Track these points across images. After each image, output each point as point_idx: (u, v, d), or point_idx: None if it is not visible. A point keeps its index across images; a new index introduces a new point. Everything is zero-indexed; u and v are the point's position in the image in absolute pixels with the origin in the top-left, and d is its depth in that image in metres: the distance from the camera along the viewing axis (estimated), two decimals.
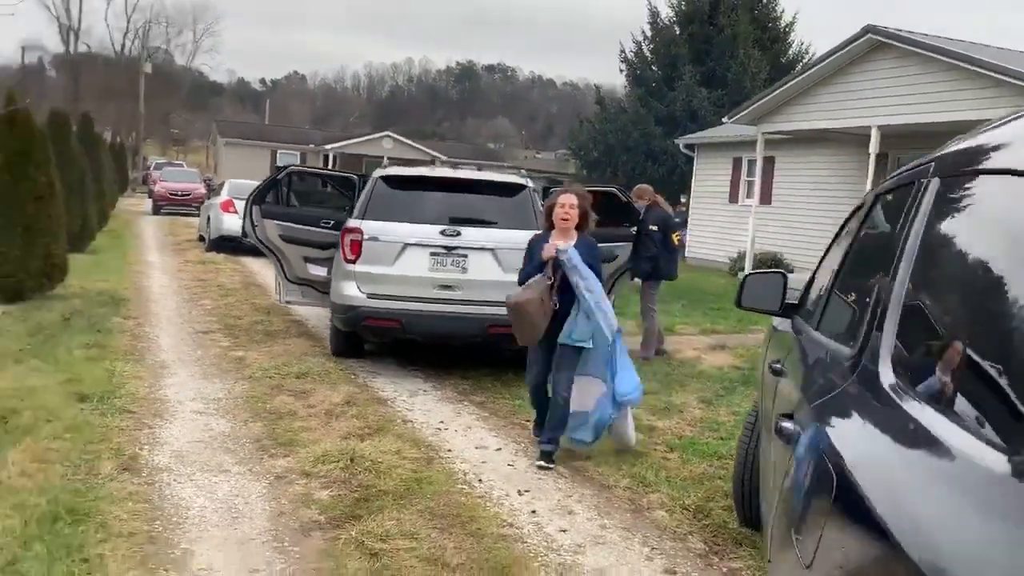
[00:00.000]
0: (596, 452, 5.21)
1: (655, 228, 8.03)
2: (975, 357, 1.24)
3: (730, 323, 10.79)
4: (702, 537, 4.07)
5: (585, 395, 4.96)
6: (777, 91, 16.05)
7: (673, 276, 8.55)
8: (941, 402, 1.27)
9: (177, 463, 4.67)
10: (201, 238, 18.53)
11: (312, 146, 48.53)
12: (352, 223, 7.01)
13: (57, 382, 6.05)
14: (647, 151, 26.17)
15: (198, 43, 73.96)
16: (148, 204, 29.14)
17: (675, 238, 8.40)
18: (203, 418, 5.57)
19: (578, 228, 5.07)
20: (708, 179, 21.34)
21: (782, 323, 3.47)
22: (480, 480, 4.68)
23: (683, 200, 23.00)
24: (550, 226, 5.14)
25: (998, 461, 0.98)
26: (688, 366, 8.11)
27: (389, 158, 39.04)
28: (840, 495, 1.38)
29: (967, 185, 1.58)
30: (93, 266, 13.01)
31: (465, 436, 5.54)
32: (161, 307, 10.09)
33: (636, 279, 8.37)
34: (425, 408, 6.14)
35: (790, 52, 28.46)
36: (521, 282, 5.12)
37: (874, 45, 13.99)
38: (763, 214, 17.59)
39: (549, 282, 4.95)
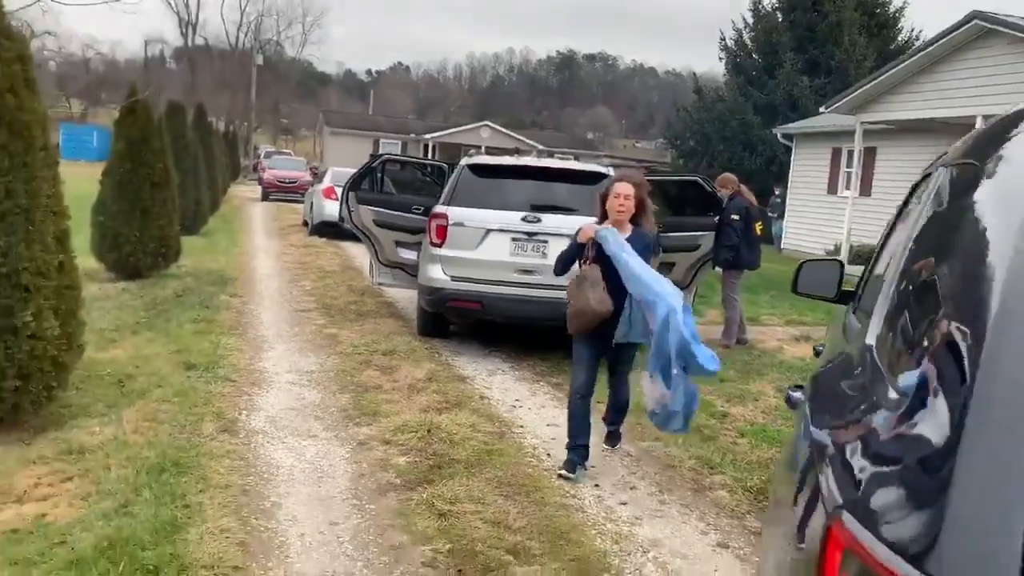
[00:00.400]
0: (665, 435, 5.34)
1: (736, 218, 8.04)
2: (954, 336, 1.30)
3: (818, 315, 10.63)
4: (760, 517, 4.18)
5: (660, 390, 4.37)
6: (877, 80, 15.56)
7: (755, 266, 8.54)
8: (916, 371, 1.38)
9: (271, 427, 5.09)
10: (305, 223, 19.35)
11: (413, 135, 49.56)
12: (438, 209, 7.33)
13: (168, 352, 6.61)
14: (744, 140, 25.70)
15: (306, 35, 76.30)
16: (258, 191, 30.45)
17: (757, 228, 8.39)
18: (296, 388, 6.00)
19: (634, 221, 4.63)
20: (806, 169, 20.84)
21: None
22: (548, 455, 4.90)
23: (776, 191, 22.52)
24: (603, 216, 4.68)
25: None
26: (769, 356, 8.11)
27: (486, 148, 39.54)
28: (808, 461, 1.52)
29: (962, 175, 1.70)
30: (205, 248, 13.87)
31: (538, 414, 5.77)
32: (264, 287, 10.71)
33: (717, 268, 8.41)
34: (502, 387, 6.41)
35: (899, 39, 27.34)
36: (559, 269, 4.85)
37: (981, 32, 13.41)
38: (861, 206, 17.11)
39: (587, 263, 4.56)
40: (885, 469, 1.15)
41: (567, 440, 4.64)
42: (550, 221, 7.00)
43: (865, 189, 17.66)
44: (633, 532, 3.92)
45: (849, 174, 18.22)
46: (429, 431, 5.03)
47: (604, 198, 4.66)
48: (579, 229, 4.68)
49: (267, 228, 19.56)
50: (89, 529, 3.49)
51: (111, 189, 10.24)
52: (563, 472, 4.51)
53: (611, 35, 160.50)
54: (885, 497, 1.07)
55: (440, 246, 7.20)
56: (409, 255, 8.28)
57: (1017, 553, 0.83)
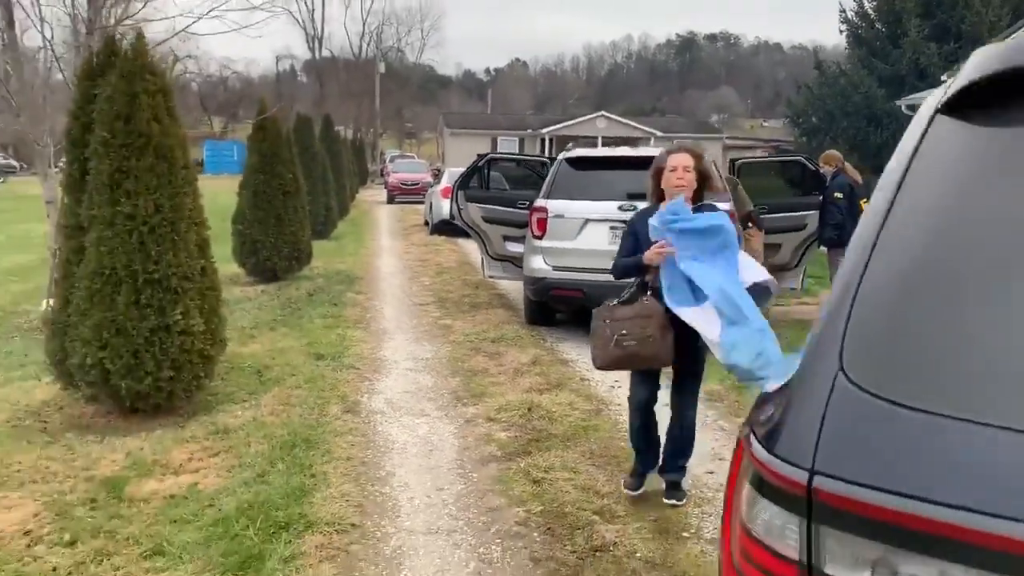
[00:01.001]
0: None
1: (840, 195, 8.01)
2: None
3: None
4: None
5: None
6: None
7: None
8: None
9: (389, 408, 5.62)
10: (425, 223, 20.18)
11: (529, 131, 50.13)
12: (538, 202, 7.71)
13: (300, 345, 7.29)
14: (869, 115, 24.67)
15: (425, 40, 78.51)
16: (385, 194, 31.75)
17: (862, 205, 8.31)
18: (412, 374, 6.52)
19: (695, 198, 3.87)
20: None
21: None
22: None
23: None
24: (659, 197, 3.94)
25: None
26: None
27: (601, 137, 39.56)
28: None
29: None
30: (334, 250, 14.79)
31: None
32: (387, 284, 11.41)
33: (822, 247, 8.39)
34: None
35: None
36: (617, 276, 4.10)
37: None
38: None
39: (649, 292, 3.76)
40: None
41: (636, 481, 4.07)
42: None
43: None
44: (718, 497, 4.16)
45: None
46: (529, 409, 5.42)
47: (658, 174, 3.89)
48: (631, 224, 4.04)
49: (391, 229, 20.50)
50: (232, 494, 4.08)
51: (248, 200, 11.18)
52: (627, 490, 4.06)
53: (732, 13, 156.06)
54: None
55: (541, 238, 7.58)
56: (516, 248, 8.70)
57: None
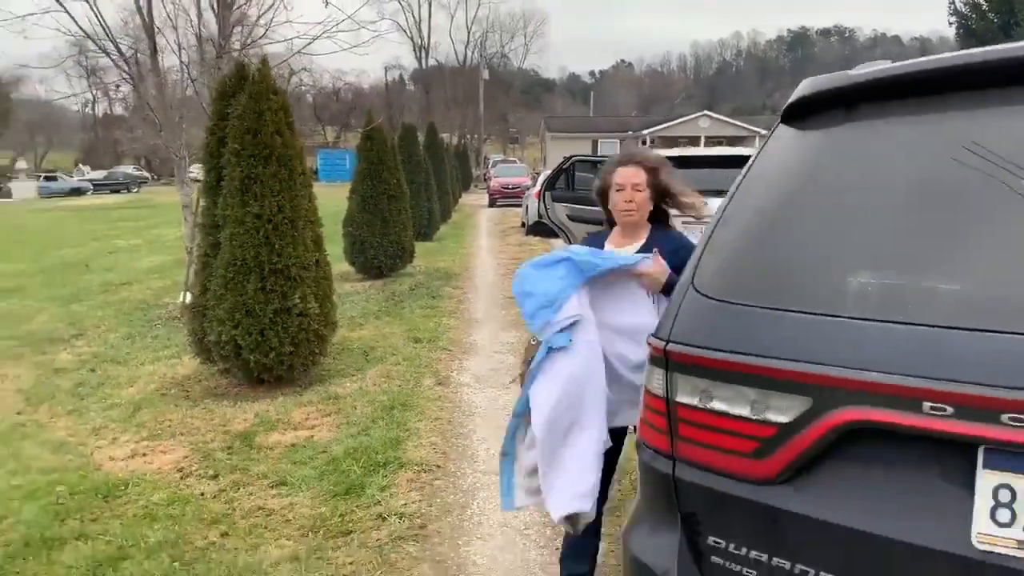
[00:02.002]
0: None
1: None
2: None
3: None
4: None
5: None
6: None
7: None
8: None
9: (474, 381, 6.38)
10: (522, 224, 20.97)
11: (630, 132, 50.39)
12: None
13: (401, 331, 8.15)
14: None
15: (528, 46, 79.89)
16: (486, 198, 32.81)
17: None
18: (498, 355, 7.27)
19: (653, 219, 2.97)
20: None
21: None
22: None
23: None
24: (610, 219, 3.05)
25: None
26: None
27: (704, 137, 39.47)
28: None
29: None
30: (435, 250, 15.76)
31: None
32: (481, 280, 12.23)
33: None
34: None
35: None
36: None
37: None
38: None
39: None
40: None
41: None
42: (716, 204, 7.73)
43: None
44: None
45: None
46: None
47: (603, 195, 3.00)
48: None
49: (490, 231, 21.41)
50: (341, 443, 4.91)
51: (357, 203, 12.22)
52: None
53: (846, 6, 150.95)
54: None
55: None
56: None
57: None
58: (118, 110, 75.93)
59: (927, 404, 1.31)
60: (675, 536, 1.67)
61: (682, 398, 1.63)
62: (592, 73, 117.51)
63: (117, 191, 48.83)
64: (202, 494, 4.28)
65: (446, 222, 21.70)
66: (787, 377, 1.46)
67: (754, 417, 1.51)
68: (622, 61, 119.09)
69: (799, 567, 1.48)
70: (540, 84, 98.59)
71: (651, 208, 2.93)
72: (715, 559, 1.61)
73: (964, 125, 1.49)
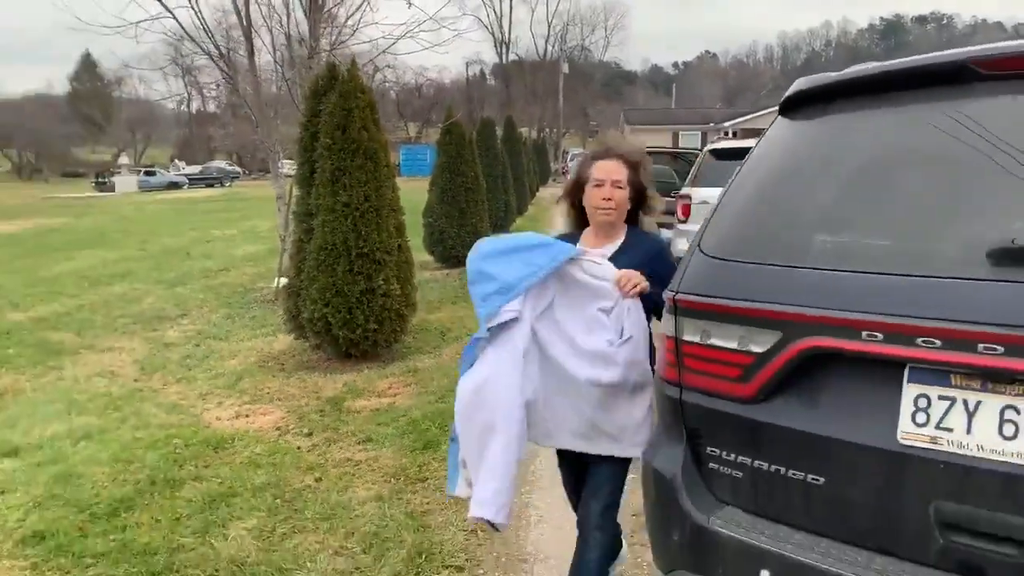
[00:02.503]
0: None
1: None
2: None
3: None
4: None
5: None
6: None
7: None
8: None
9: None
10: None
11: (712, 124, 49.97)
12: (684, 190, 8.63)
13: (474, 315, 8.64)
14: None
15: (609, 38, 79.60)
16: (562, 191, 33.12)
17: None
18: None
19: (631, 220, 2.76)
20: None
21: None
22: None
23: None
24: (580, 221, 2.83)
25: None
26: None
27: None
28: None
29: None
30: None
31: None
32: None
33: None
34: None
35: None
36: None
37: None
38: None
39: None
40: None
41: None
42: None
43: None
44: None
45: None
46: None
47: (575, 189, 2.79)
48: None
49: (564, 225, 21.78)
50: (420, 408, 5.43)
51: (436, 196, 12.81)
52: None
53: None
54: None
55: (685, 222, 8.50)
56: (668, 234, 9.63)
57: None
58: (211, 107, 79.40)
59: (864, 332, 1.69)
60: (680, 448, 2.08)
61: (687, 337, 2.04)
62: (675, 64, 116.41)
63: (211, 185, 51.09)
64: (298, 448, 4.86)
65: (522, 215, 22.18)
66: (764, 315, 1.85)
67: (740, 348, 1.91)
68: (707, 52, 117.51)
69: (774, 467, 1.87)
70: (621, 76, 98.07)
71: (629, 208, 2.70)
72: (711, 464, 2.01)
73: (906, 116, 1.86)
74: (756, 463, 1.91)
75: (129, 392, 6.26)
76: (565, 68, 63.86)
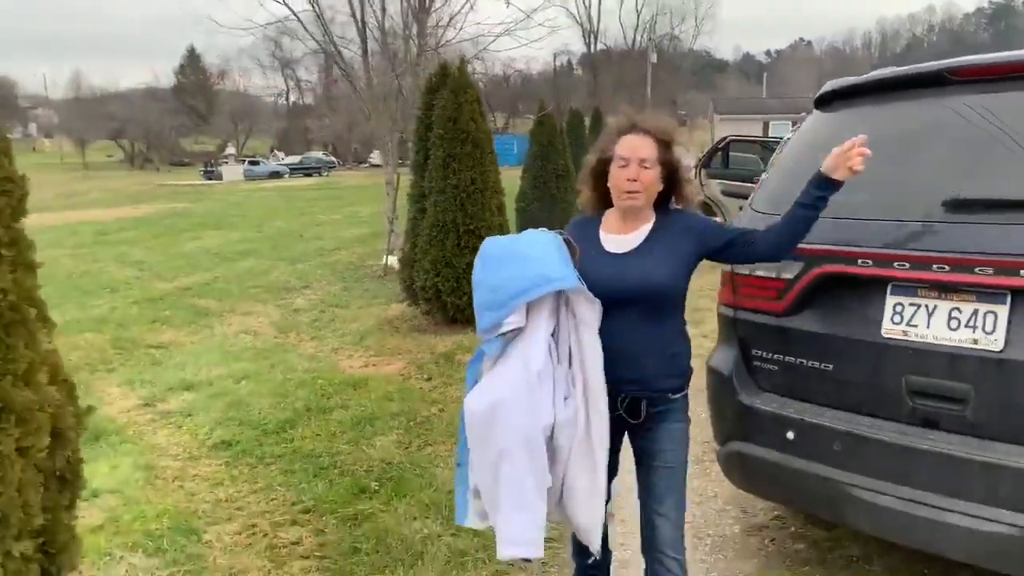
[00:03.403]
0: None
1: None
2: None
3: None
4: None
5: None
6: None
7: None
8: None
9: None
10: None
11: (803, 114, 48.86)
12: (762, 176, 9.20)
13: None
14: None
15: (699, 27, 78.97)
16: None
17: None
18: None
19: (660, 204, 2.43)
20: None
21: None
22: None
23: None
24: (604, 201, 2.49)
25: None
26: None
27: None
28: None
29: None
30: None
31: None
32: None
33: None
34: None
35: None
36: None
37: None
38: None
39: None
40: None
41: None
42: None
43: None
44: None
45: None
46: None
47: (602, 169, 2.45)
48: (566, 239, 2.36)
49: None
50: None
51: (529, 182, 13.67)
52: None
53: None
54: None
55: None
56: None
57: None
58: (307, 100, 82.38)
59: (860, 260, 2.43)
60: (734, 352, 2.85)
61: (738, 271, 2.82)
62: (768, 53, 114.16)
63: (309, 174, 53.28)
64: (421, 388, 5.78)
65: None
66: (797, 252, 2.62)
67: (775, 276, 2.67)
68: (800, 39, 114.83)
69: (799, 360, 2.63)
70: (712, 65, 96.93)
71: (659, 191, 2.36)
72: (755, 363, 2.78)
73: (899, 108, 2.59)
74: (787, 359, 2.68)
75: (272, 346, 7.33)
76: (653, 57, 63.75)
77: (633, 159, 2.33)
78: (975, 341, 2.25)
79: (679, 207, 2.47)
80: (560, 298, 2.25)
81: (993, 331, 2.22)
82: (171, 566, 3.30)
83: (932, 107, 2.51)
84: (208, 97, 78.14)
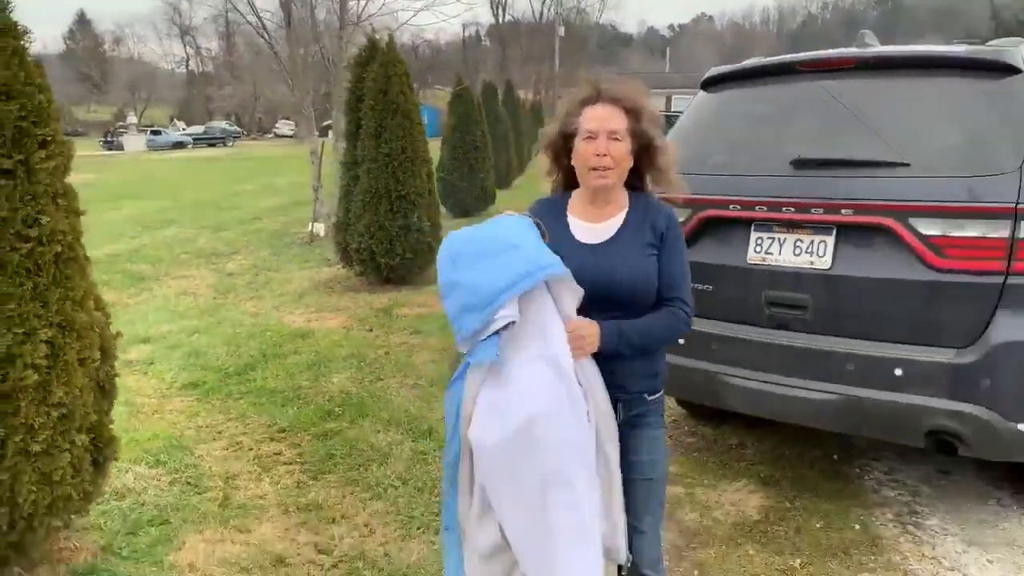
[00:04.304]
0: None
1: None
2: None
3: None
4: None
5: None
6: None
7: None
8: None
9: None
10: None
11: None
12: None
13: None
14: None
15: (604, 1, 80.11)
16: None
17: None
18: None
19: (633, 184, 2.21)
20: None
21: None
22: None
23: None
24: (568, 180, 2.27)
25: None
26: None
27: None
28: None
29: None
30: (511, 196, 17.72)
31: None
32: None
33: None
34: None
35: None
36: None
37: None
38: None
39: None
40: None
41: None
42: None
43: None
44: None
45: None
46: None
47: (563, 143, 2.21)
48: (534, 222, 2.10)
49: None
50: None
51: (448, 153, 14.27)
52: None
53: None
54: None
55: None
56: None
57: None
58: (208, 68, 79.98)
59: (731, 205, 3.24)
60: None
61: None
62: (671, 27, 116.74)
63: (214, 145, 52.20)
64: (365, 337, 6.42)
65: (521, 175, 23.62)
66: (685, 202, 3.40)
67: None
68: (703, 14, 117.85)
69: (698, 285, 3.44)
70: (617, 39, 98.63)
71: (630, 167, 2.14)
72: None
73: (761, 91, 3.40)
74: (699, 286, 3.47)
75: (214, 305, 7.80)
76: (561, 31, 64.53)
77: (601, 131, 2.08)
78: (812, 263, 3.08)
79: (655, 190, 2.23)
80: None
81: (824, 255, 3.05)
82: (172, 473, 3.90)
83: (784, 90, 3.32)
84: (101, 64, 75.05)
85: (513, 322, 1.92)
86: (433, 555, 3.08)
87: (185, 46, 77.06)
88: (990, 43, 3.24)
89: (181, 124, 66.16)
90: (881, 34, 3.99)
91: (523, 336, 1.94)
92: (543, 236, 2.04)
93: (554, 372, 1.89)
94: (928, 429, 2.85)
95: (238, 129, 61.68)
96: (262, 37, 11.57)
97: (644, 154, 2.17)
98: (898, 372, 2.85)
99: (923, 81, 3.06)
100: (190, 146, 50.45)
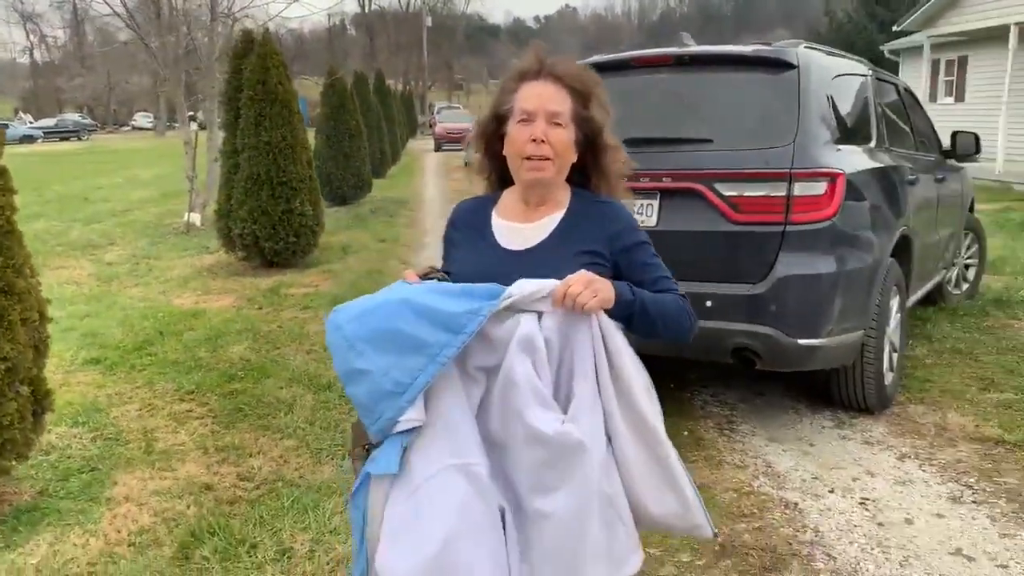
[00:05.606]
0: None
1: None
2: None
3: None
4: None
5: None
6: None
7: None
8: None
9: (427, 261, 9.00)
10: (465, 164, 23.40)
11: None
12: None
13: (368, 236, 10.69)
14: (871, 59, 27.00)
15: None
16: (432, 144, 35.05)
17: None
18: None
19: (574, 180, 1.89)
20: (912, 81, 22.36)
21: None
22: None
23: None
24: (500, 179, 1.95)
25: None
26: None
27: None
28: None
29: None
30: (388, 185, 18.19)
31: None
32: (429, 205, 14.78)
33: None
34: None
35: None
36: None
37: None
38: (957, 111, 18.83)
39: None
40: None
41: None
42: None
43: (959, 96, 19.33)
44: None
45: (949, 82, 19.90)
46: None
47: (493, 127, 1.86)
48: (446, 235, 2.07)
49: (436, 171, 23.85)
50: (339, 289, 7.47)
51: (323, 142, 14.55)
52: None
53: None
54: None
55: None
56: None
57: None
58: (55, 57, 75.51)
59: (641, 178, 3.95)
60: None
61: None
62: (537, 18, 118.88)
63: (67, 139, 49.61)
64: (255, 314, 6.83)
65: (395, 165, 24.01)
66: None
67: None
68: (567, 6, 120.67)
69: None
70: (485, 30, 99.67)
71: (574, 159, 1.82)
72: None
73: (614, 81, 4.13)
74: None
75: (100, 292, 7.97)
76: (428, 21, 64.90)
77: (539, 113, 1.74)
78: (643, 222, 3.82)
79: (603, 194, 1.87)
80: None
81: (651, 215, 3.81)
82: (93, 432, 4.28)
83: (621, 81, 4.05)
84: None
85: (416, 428, 1.61)
86: (342, 477, 3.64)
87: (28, 34, 72.46)
88: (776, 44, 4.07)
89: (28, 117, 62.39)
90: (735, 27, 4.78)
91: (430, 438, 1.62)
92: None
93: (468, 482, 1.59)
94: (733, 347, 3.65)
95: (92, 122, 58.76)
96: (131, 28, 11.53)
97: (589, 150, 1.82)
98: (709, 304, 3.64)
99: (724, 74, 3.86)
100: (40, 140, 47.76)
